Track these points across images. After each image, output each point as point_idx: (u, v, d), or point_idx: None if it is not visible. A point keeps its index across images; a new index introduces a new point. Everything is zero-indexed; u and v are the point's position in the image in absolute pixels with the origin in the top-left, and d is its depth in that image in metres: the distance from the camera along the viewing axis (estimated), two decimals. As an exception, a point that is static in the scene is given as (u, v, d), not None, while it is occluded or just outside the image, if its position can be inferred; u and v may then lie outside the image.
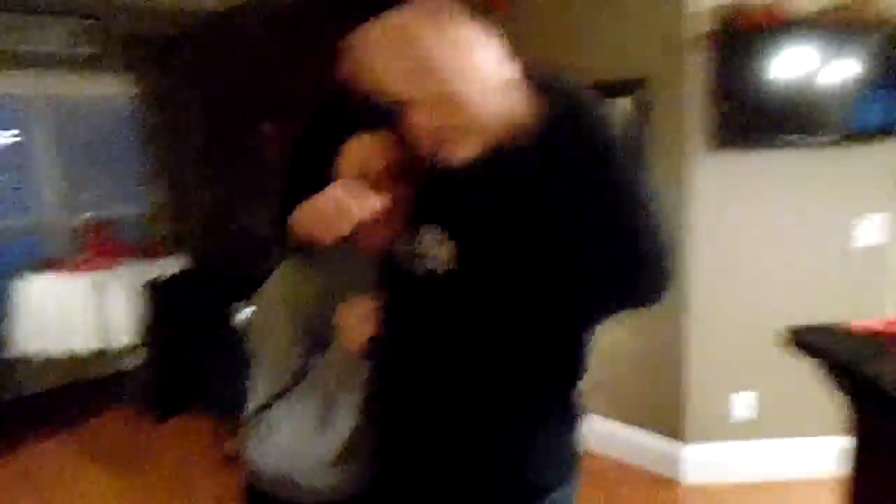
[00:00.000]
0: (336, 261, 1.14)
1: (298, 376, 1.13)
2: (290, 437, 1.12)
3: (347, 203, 0.98)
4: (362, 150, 1.06)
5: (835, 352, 1.24)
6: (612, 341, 2.80)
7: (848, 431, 1.29)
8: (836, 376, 1.26)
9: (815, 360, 1.31)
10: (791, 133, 2.51)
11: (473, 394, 1.01)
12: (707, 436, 2.75)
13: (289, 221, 1.06)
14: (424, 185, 1.05)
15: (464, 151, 0.94)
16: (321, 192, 1.02)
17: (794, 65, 2.45)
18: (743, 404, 2.70)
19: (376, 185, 1.02)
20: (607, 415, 2.97)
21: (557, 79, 1.01)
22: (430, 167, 1.00)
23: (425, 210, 1.03)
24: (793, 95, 2.48)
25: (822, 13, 2.48)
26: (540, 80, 0.98)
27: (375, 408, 1.12)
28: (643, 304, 0.96)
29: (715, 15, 2.50)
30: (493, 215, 0.96)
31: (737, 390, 2.70)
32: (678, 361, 2.73)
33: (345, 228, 0.99)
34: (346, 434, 1.11)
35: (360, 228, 1.01)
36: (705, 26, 2.52)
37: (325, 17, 3.50)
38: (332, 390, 1.11)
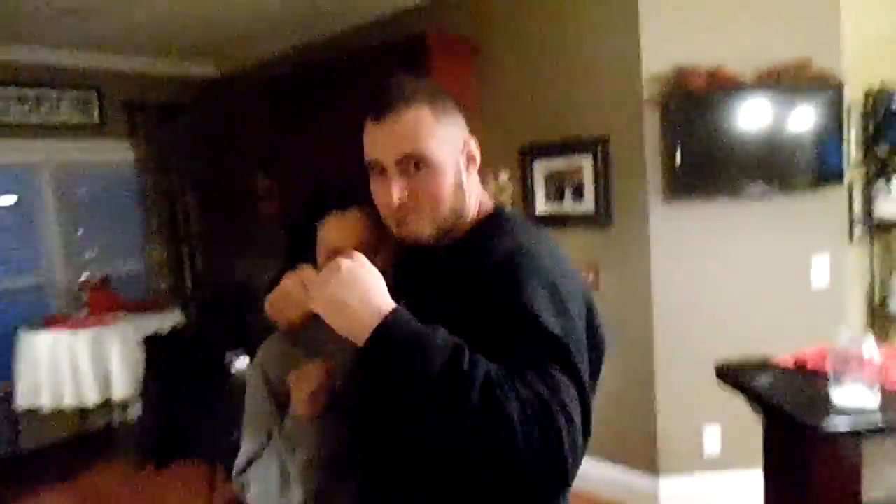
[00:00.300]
0: (305, 329, 1.15)
1: (268, 438, 1.17)
2: (259, 499, 1.16)
3: (296, 291, 1.05)
4: (339, 228, 1.10)
5: (746, 383, 1.42)
6: (586, 381, 2.97)
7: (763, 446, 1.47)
8: (752, 403, 1.44)
9: (736, 391, 1.49)
10: (742, 183, 2.73)
11: (432, 482, 0.98)
12: (680, 469, 2.88)
13: (264, 304, 1.14)
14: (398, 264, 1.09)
15: (419, 231, 1.00)
16: (284, 278, 1.09)
17: (741, 121, 2.70)
18: (711, 437, 2.84)
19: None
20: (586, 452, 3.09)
21: (510, 217, 1.07)
22: (399, 245, 1.06)
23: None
24: (743, 149, 2.72)
25: (765, 74, 2.74)
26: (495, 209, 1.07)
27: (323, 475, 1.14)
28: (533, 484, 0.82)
29: (668, 77, 2.76)
30: (438, 307, 0.96)
31: (705, 423, 2.84)
32: (650, 399, 2.89)
33: (295, 314, 1.07)
34: (301, 498, 1.13)
35: None
36: (660, 87, 2.77)
37: (313, 85, 3.78)
38: (283, 455, 1.14)
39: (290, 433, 1.12)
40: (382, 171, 0.99)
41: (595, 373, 0.99)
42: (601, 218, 2.96)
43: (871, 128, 3.14)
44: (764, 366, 1.57)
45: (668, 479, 2.89)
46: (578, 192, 3.03)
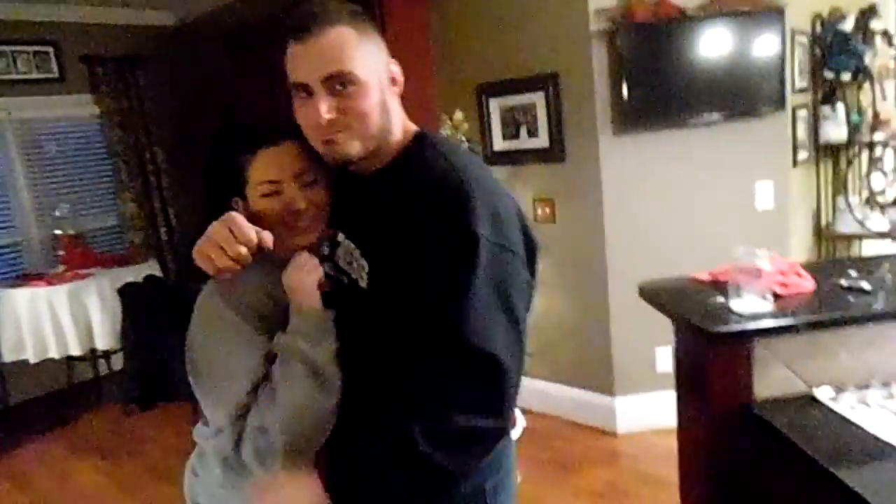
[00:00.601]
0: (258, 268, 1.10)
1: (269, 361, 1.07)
2: (293, 417, 1.02)
3: (226, 236, 1.02)
4: (274, 160, 1.09)
5: (661, 299, 1.54)
6: (545, 310, 3.11)
7: (674, 356, 1.61)
8: (670, 318, 1.57)
9: (654, 307, 1.61)
10: (688, 113, 2.81)
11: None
12: (635, 388, 3.07)
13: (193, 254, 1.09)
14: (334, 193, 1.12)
15: (348, 150, 1.01)
16: (211, 224, 1.06)
17: (683, 52, 2.75)
18: (662, 358, 3.01)
19: (294, 190, 1.09)
20: (545, 377, 3.28)
21: (443, 141, 1.10)
22: (334, 173, 1.09)
23: (335, 214, 1.11)
24: (689, 79, 2.78)
25: (708, 3, 2.78)
26: (425, 135, 1.09)
27: None
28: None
29: (616, 9, 2.79)
30: (375, 236, 1.02)
31: (657, 346, 3.01)
32: (605, 325, 3.04)
33: (224, 261, 1.02)
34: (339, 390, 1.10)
35: (284, 233, 1.08)
36: (607, 20, 2.81)
37: (270, 32, 3.75)
38: (310, 355, 1.05)
39: (308, 330, 1.03)
40: (308, 92, 0.99)
41: (533, 273, 1.05)
42: (555, 153, 3.04)
43: (818, 53, 3.21)
44: (683, 283, 1.69)
45: (623, 398, 3.08)
46: (533, 129, 3.10)
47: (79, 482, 3.25)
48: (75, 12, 4.48)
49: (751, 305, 1.42)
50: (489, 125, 3.25)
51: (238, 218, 1.05)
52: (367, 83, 1.00)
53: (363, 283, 1.02)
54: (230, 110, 4.50)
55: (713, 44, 2.73)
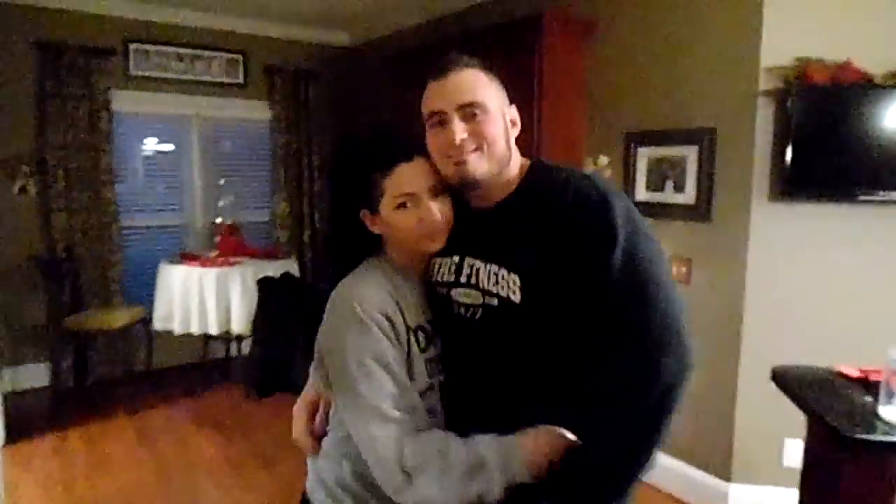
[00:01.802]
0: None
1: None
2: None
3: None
4: (412, 174, 1.15)
5: (797, 388, 1.39)
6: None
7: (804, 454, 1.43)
8: (801, 410, 1.41)
9: (787, 396, 1.45)
10: (860, 188, 2.55)
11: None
12: (754, 479, 2.79)
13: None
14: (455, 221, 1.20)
15: (477, 169, 1.12)
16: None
17: (864, 121, 2.51)
18: (791, 451, 2.71)
19: (428, 203, 1.16)
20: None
21: (559, 167, 1.19)
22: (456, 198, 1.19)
23: (458, 243, 1.19)
24: (865, 151, 2.53)
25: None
26: (540, 163, 1.21)
27: None
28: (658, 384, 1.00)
29: (789, 69, 2.61)
30: (532, 251, 1.10)
31: (788, 436, 2.72)
32: (730, 404, 2.80)
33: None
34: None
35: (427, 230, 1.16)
36: (778, 80, 2.63)
37: (433, 59, 3.92)
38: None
39: (510, 469, 1.04)
40: (441, 122, 1.13)
41: None
42: (701, 211, 2.87)
43: None
44: (825, 374, 1.51)
45: (739, 486, 2.81)
46: (680, 183, 2.96)
47: (194, 451, 3.51)
48: (265, 26, 4.97)
49: (903, 416, 1.24)
50: (634, 174, 3.14)
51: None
52: (495, 114, 1.15)
53: (516, 298, 1.10)
54: (345, 131, 4.71)
55: (898, 116, 2.47)
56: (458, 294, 1.17)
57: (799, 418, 2.66)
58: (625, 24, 3.16)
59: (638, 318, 1.01)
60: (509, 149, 1.17)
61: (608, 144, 3.22)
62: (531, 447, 1.04)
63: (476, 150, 1.12)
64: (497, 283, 1.12)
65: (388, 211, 1.16)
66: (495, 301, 1.12)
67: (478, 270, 1.15)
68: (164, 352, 4.58)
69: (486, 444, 1.05)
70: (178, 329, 4.16)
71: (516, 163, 1.20)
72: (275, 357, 3.65)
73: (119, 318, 4.11)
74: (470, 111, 1.12)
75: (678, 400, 1.02)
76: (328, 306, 1.17)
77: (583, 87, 3.33)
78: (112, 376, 4.45)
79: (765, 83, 2.64)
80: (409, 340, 1.14)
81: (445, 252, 1.19)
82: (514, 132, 1.20)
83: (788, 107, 2.58)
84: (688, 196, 2.93)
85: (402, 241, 1.18)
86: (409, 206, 1.15)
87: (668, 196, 3.02)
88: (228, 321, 4.17)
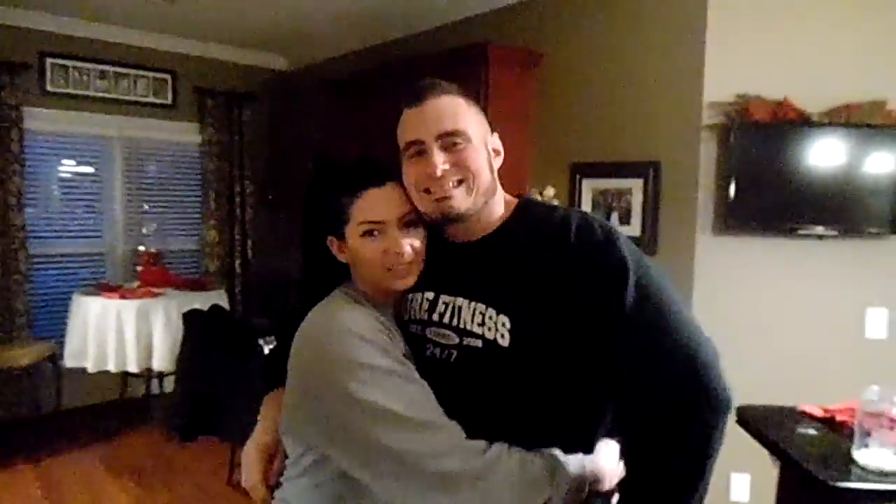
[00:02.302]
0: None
1: None
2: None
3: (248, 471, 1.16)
4: (382, 200, 1.08)
5: (765, 430, 1.33)
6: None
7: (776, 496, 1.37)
8: (770, 452, 1.35)
9: (756, 439, 1.39)
10: (799, 223, 2.60)
11: None
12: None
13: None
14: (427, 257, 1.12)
15: (461, 204, 1.05)
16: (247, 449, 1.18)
17: (802, 157, 2.57)
18: (739, 486, 2.69)
19: (396, 233, 1.08)
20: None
21: (550, 205, 1.16)
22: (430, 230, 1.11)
23: (433, 279, 1.10)
24: (803, 187, 2.59)
25: (834, 111, 2.60)
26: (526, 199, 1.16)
27: None
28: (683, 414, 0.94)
29: (731, 105, 2.65)
30: (520, 291, 1.02)
31: (733, 471, 2.70)
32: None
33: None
34: None
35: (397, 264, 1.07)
36: (720, 116, 2.67)
37: (371, 86, 3.83)
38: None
39: (566, 485, 1.00)
40: (419, 152, 1.05)
41: None
42: (646, 245, 2.86)
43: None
44: (789, 414, 1.47)
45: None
46: (624, 216, 2.95)
47: (108, 502, 3.18)
48: (197, 46, 4.75)
49: (879, 459, 1.19)
50: (579, 205, 3.12)
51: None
52: (478, 143, 1.07)
53: (504, 342, 1.01)
54: (320, 153, 4.60)
55: (833, 153, 2.54)
56: (433, 333, 1.08)
57: (746, 453, 2.66)
58: (571, 55, 3.17)
59: (661, 355, 0.95)
60: (494, 180, 1.10)
61: (554, 175, 3.19)
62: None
63: (460, 183, 1.05)
64: (483, 323, 1.03)
65: (353, 238, 1.08)
66: (479, 343, 1.03)
67: (458, 309, 1.06)
68: (76, 391, 4.20)
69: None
70: (91, 366, 3.80)
71: (501, 196, 1.13)
72: (201, 397, 3.39)
73: (24, 354, 3.74)
74: (450, 140, 1.04)
75: (718, 439, 0.94)
76: (301, 343, 1.04)
77: (528, 117, 3.31)
78: (15, 419, 4.03)
79: (708, 118, 2.67)
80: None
81: (418, 287, 1.11)
82: (497, 162, 1.13)
83: (731, 142, 2.61)
84: (633, 228, 2.92)
85: (367, 274, 1.10)
86: (377, 234, 1.07)
87: (614, 228, 3.00)
88: (149, 357, 3.86)
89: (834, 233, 2.57)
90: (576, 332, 0.98)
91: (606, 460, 1.05)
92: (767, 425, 1.41)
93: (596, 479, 1.02)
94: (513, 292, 1.02)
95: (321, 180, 1.19)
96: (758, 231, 2.64)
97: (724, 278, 2.70)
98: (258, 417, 1.22)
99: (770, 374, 2.63)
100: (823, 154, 2.55)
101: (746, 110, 2.63)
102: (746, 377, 2.60)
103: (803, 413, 1.49)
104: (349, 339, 0.98)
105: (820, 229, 2.58)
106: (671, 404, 0.93)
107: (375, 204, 1.07)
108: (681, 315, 0.98)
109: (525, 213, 1.12)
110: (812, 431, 1.37)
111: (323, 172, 1.23)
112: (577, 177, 3.13)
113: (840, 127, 2.54)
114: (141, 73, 4.58)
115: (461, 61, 3.22)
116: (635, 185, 2.89)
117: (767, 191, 2.61)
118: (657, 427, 0.95)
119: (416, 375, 1.01)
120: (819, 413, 1.46)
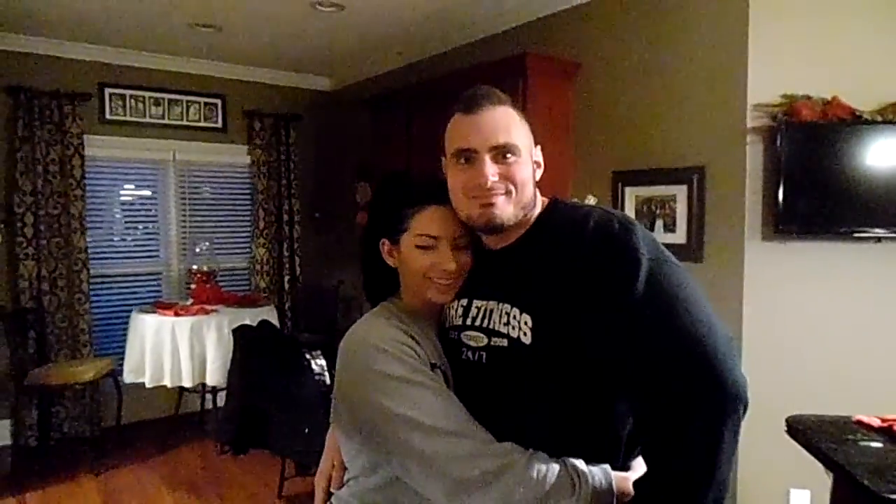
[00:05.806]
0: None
1: None
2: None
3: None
4: (440, 218, 1.14)
5: (816, 440, 1.27)
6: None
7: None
8: (822, 463, 1.29)
9: (807, 450, 1.33)
10: (856, 225, 2.49)
11: None
12: (761, 532, 2.63)
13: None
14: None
15: (504, 213, 1.07)
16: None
17: (854, 157, 2.46)
18: (799, 501, 2.57)
19: (447, 250, 1.13)
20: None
21: (580, 205, 1.16)
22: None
23: (466, 286, 1.14)
24: (859, 188, 2.48)
25: (887, 108, 2.49)
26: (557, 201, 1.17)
27: None
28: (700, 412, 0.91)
29: (776, 106, 2.57)
30: (542, 292, 1.03)
31: (792, 487, 2.58)
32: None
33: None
34: None
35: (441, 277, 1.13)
36: (766, 117, 2.59)
37: (413, 101, 3.88)
38: None
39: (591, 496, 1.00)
40: (469, 159, 1.08)
41: None
42: (692, 251, 2.79)
43: None
44: (844, 424, 1.40)
45: (745, 542, 2.65)
46: (670, 223, 2.89)
47: (162, 515, 3.28)
48: (244, 71, 4.92)
49: (940, 472, 1.12)
50: (622, 214, 3.07)
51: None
52: (525, 157, 1.10)
53: (526, 339, 1.03)
54: (363, 169, 4.68)
55: (888, 152, 2.43)
56: (467, 337, 1.12)
57: (805, 468, 2.54)
58: (608, 63, 3.14)
59: (667, 345, 0.92)
60: (534, 193, 1.13)
61: (596, 184, 3.15)
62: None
63: (505, 193, 1.08)
64: (508, 322, 1.06)
65: (407, 247, 1.15)
66: (504, 342, 1.06)
67: (490, 311, 1.10)
68: (135, 406, 4.36)
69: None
70: (149, 381, 3.94)
71: (539, 207, 1.16)
72: (251, 410, 3.46)
73: (87, 371, 3.90)
74: (502, 152, 1.07)
75: (726, 436, 0.91)
76: (342, 357, 1.13)
77: (569, 126, 3.28)
78: (78, 433, 4.21)
79: (752, 120, 2.60)
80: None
81: (456, 295, 1.16)
82: (538, 174, 1.16)
83: (777, 144, 2.53)
84: (678, 236, 2.85)
85: (411, 283, 1.17)
86: (430, 248, 1.13)
87: (658, 236, 2.92)
88: (203, 372, 3.97)
89: (893, 234, 2.45)
90: (592, 326, 0.97)
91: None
92: (819, 435, 1.35)
93: (626, 495, 0.99)
94: (535, 290, 1.05)
95: (389, 187, 1.27)
96: (809, 235, 2.54)
97: (775, 285, 2.61)
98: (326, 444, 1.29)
99: (825, 382, 2.53)
100: (878, 152, 2.44)
101: (793, 110, 2.55)
102: (800, 386, 2.53)
103: (859, 423, 1.42)
104: (373, 353, 1.06)
105: (878, 231, 2.46)
106: (677, 394, 0.91)
107: (435, 220, 1.13)
108: (695, 306, 0.95)
109: (552, 213, 1.14)
110: (873, 444, 1.29)
111: (392, 181, 1.30)
112: (620, 185, 3.08)
113: (893, 123, 2.43)
114: (192, 98, 4.77)
115: (500, 73, 3.22)
116: (679, 192, 2.83)
117: (819, 193, 2.51)
118: (661, 420, 0.93)
119: (439, 385, 1.05)
120: (877, 423, 1.38)
